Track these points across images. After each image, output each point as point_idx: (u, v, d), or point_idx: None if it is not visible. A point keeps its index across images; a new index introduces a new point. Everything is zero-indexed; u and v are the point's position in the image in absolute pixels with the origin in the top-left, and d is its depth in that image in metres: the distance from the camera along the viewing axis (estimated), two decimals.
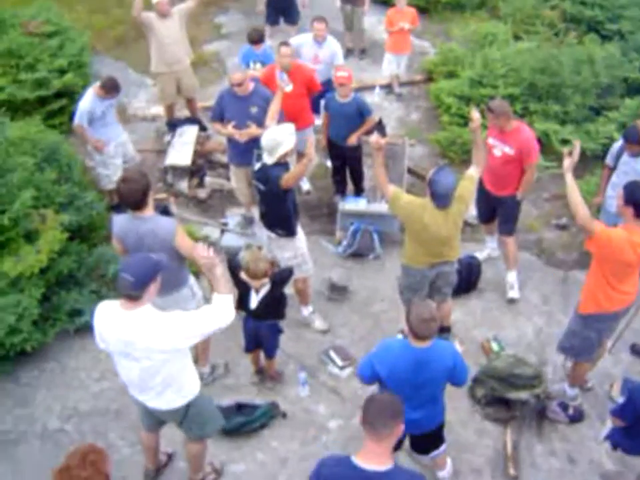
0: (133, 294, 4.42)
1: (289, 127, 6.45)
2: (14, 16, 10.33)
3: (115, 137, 8.46)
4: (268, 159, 6.32)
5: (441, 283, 6.54)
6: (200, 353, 6.43)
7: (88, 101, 8.07)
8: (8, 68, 9.65)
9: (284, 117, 7.40)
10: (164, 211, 6.87)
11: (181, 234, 5.54)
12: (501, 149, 7.15)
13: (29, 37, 9.93)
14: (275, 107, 7.16)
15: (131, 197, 5.37)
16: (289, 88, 7.86)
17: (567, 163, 5.62)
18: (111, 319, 4.55)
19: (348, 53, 11.84)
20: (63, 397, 6.56)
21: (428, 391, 4.91)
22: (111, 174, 8.39)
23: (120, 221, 5.68)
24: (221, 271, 4.73)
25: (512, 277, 7.78)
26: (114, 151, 8.43)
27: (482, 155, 6.35)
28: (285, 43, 8.42)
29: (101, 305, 4.70)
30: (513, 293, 7.72)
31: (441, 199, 5.88)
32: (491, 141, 7.27)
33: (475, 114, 6.28)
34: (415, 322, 4.63)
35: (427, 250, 6.23)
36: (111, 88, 8.06)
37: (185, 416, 5.02)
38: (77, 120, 8.13)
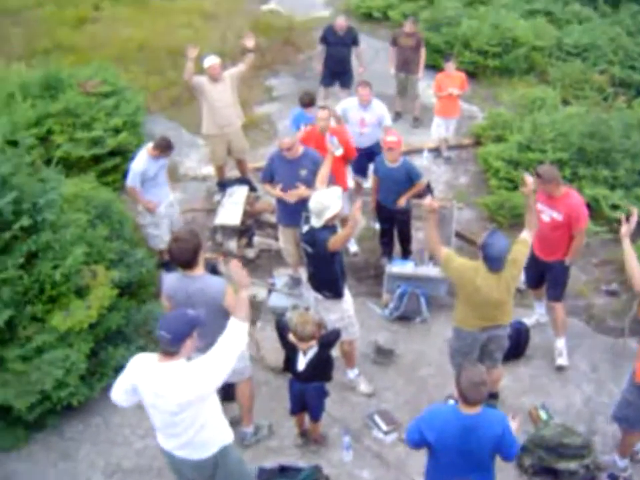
0: (170, 350, 4.50)
1: (337, 191, 6.51)
2: (72, 75, 10.62)
3: (165, 197, 8.62)
4: (316, 222, 6.36)
5: (493, 347, 6.47)
6: (244, 413, 6.41)
7: (141, 162, 8.22)
8: (65, 126, 9.90)
9: (333, 180, 7.47)
10: (212, 270, 6.94)
11: (230, 293, 5.57)
12: (549, 215, 7.12)
13: (86, 97, 10.20)
14: (324, 171, 7.22)
15: (181, 255, 5.45)
16: (339, 152, 7.93)
17: (625, 229, 5.59)
18: (147, 371, 4.61)
19: (397, 116, 11.96)
20: (106, 452, 6.57)
21: (476, 458, 4.81)
22: (162, 234, 8.51)
23: (170, 280, 5.76)
24: (246, 294, 4.80)
25: (561, 343, 7.66)
26: (165, 212, 8.58)
27: (535, 219, 6.32)
28: (323, 107, 8.54)
29: (138, 357, 4.77)
30: (562, 360, 7.58)
31: (494, 262, 5.88)
32: (539, 206, 7.23)
33: (529, 178, 6.28)
34: (464, 385, 4.58)
35: (479, 313, 6.19)
36: (164, 147, 8.21)
37: (214, 474, 5.01)
38: (129, 182, 8.28)
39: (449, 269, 6.18)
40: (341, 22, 11.69)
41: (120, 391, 4.82)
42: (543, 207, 7.19)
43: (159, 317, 7.06)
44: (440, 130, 11.32)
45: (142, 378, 4.63)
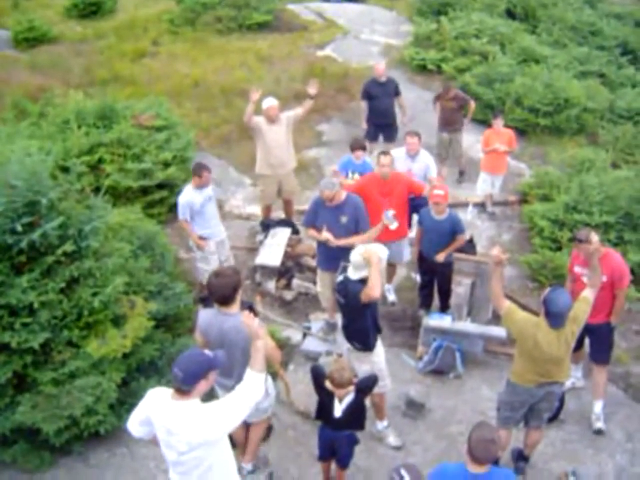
0: (183, 388, 4.50)
1: (383, 250, 6.48)
2: (127, 107, 10.87)
3: (216, 234, 8.75)
4: (352, 274, 6.36)
5: (544, 405, 6.41)
6: (249, 448, 6.35)
7: (186, 194, 8.41)
8: (116, 156, 10.09)
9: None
10: (249, 309, 6.93)
11: (265, 334, 5.56)
12: (589, 272, 7.05)
13: (138, 129, 10.40)
14: (371, 235, 7.39)
15: (220, 291, 5.50)
16: (393, 226, 7.99)
17: None
18: (160, 406, 4.61)
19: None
20: None
21: None
22: (210, 269, 8.56)
23: (205, 315, 5.79)
24: (261, 345, 4.80)
25: (598, 407, 7.50)
26: (214, 247, 8.70)
27: (598, 279, 6.29)
28: (385, 152, 8.58)
29: (154, 390, 4.79)
30: (600, 424, 7.43)
31: (556, 319, 5.86)
32: (578, 269, 7.20)
33: (594, 237, 6.26)
34: (474, 442, 4.54)
35: (537, 368, 6.13)
36: (196, 170, 8.41)
37: None
38: (180, 215, 8.48)
39: (510, 322, 6.17)
40: (380, 66, 11.80)
41: (135, 422, 4.84)
42: (582, 269, 7.13)
43: None
44: (486, 185, 11.31)
45: (156, 412, 4.64)
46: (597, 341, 7.44)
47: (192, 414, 4.50)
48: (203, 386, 4.56)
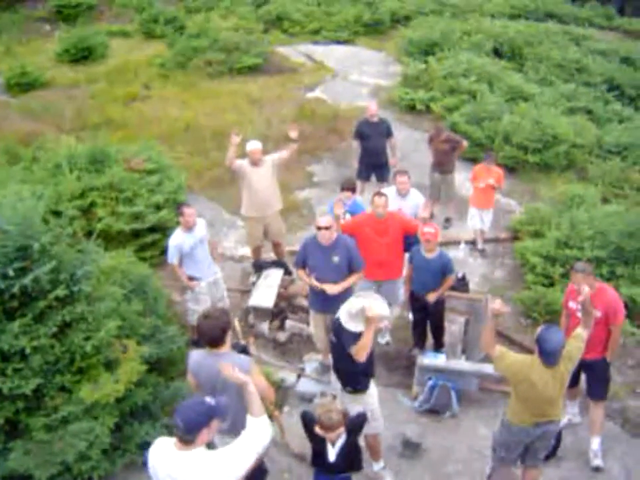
0: (185, 438, 4.44)
1: (385, 309, 6.40)
2: (118, 151, 10.93)
3: (207, 275, 8.72)
4: (346, 323, 6.28)
5: (540, 444, 6.38)
6: None
7: (175, 237, 8.43)
8: (108, 200, 10.10)
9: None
10: (243, 350, 6.90)
11: (256, 373, 5.56)
12: (582, 311, 7.07)
13: (130, 173, 10.44)
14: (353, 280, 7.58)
15: (209, 333, 5.49)
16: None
17: None
18: (164, 456, 4.55)
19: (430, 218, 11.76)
20: None
21: None
22: (201, 310, 8.55)
23: (196, 356, 5.76)
24: (253, 389, 4.76)
25: (596, 443, 7.46)
26: (206, 288, 8.68)
27: (590, 322, 6.33)
28: (380, 194, 8.62)
29: (158, 441, 4.72)
30: (598, 461, 7.39)
31: (550, 357, 5.85)
32: (572, 304, 7.21)
33: (585, 288, 6.34)
34: None
35: (533, 408, 6.12)
36: (177, 209, 8.55)
37: None
38: (169, 258, 8.48)
39: (503, 367, 6.15)
40: (373, 107, 11.85)
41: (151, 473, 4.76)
42: (577, 305, 7.14)
43: (187, 395, 7.12)
44: (475, 221, 11.38)
45: (161, 463, 4.57)
46: (593, 377, 7.43)
47: (198, 463, 4.44)
48: (205, 435, 4.50)
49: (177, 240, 8.40)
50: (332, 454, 5.88)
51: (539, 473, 6.68)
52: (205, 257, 8.71)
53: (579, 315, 7.10)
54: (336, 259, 7.69)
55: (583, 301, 6.32)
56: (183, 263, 8.49)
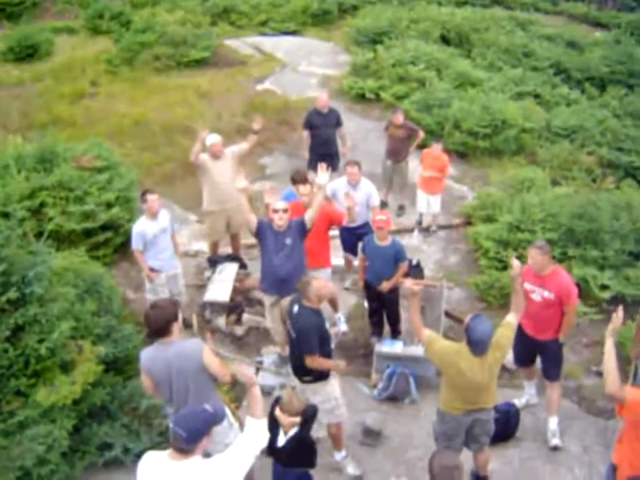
0: (185, 448, 4.38)
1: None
2: (67, 150, 10.73)
3: (168, 267, 8.74)
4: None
5: (478, 431, 6.39)
6: None
7: (139, 224, 8.52)
8: (58, 199, 9.93)
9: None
10: None
11: (208, 351, 5.62)
12: (539, 294, 7.14)
13: (79, 171, 10.28)
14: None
15: (155, 323, 5.53)
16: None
17: (611, 328, 5.60)
18: (158, 471, 4.46)
19: (382, 205, 11.45)
20: None
21: None
22: None
23: (147, 353, 5.75)
24: (258, 392, 4.78)
25: (554, 423, 7.59)
26: (165, 281, 8.69)
27: (521, 302, 6.34)
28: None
29: (147, 456, 4.64)
30: (556, 440, 7.50)
31: (477, 346, 5.86)
32: (528, 286, 7.26)
33: (515, 261, 6.32)
34: (437, 471, 4.53)
35: (463, 396, 6.14)
36: (142, 196, 8.55)
37: None
38: (133, 244, 8.55)
39: (431, 351, 6.17)
40: (324, 97, 11.86)
41: None
42: (532, 286, 7.22)
43: (145, 394, 7.07)
44: (422, 204, 11.53)
45: (154, 478, 4.48)
46: (547, 358, 7.53)
47: (198, 473, 4.38)
48: (205, 443, 4.47)
49: (141, 227, 8.45)
50: (281, 440, 5.86)
51: (487, 455, 6.72)
52: (167, 247, 8.74)
53: (534, 296, 7.19)
54: (288, 240, 7.73)
55: (513, 275, 6.30)
56: (146, 251, 8.52)
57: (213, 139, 9.59)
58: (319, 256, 8.61)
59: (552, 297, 7.08)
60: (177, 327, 5.63)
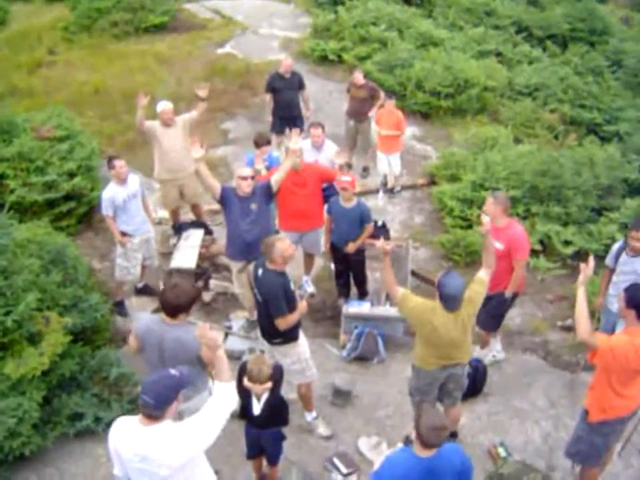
0: (154, 414, 4.38)
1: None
2: (26, 120, 10.56)
3: (141, 231, 8.67)
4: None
5: (452, 386, 6.49)
6: None
7: (108, 190, 8.41)
8: (19, 171, 9.79)
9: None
10: None
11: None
12: (492, 245, 7.24)
13: (39, 141, 10.13)
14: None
15: (174, 302, 5.38)
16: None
17: (582, 277, 5.67)
18: (129, 435, 4.47)
19: (347, 167, 11.69)
20: None
21: None
22: (129, 266, 8.61)
23: (145, 320, 5.72)
24: (223, 354, 4.74)
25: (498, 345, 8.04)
26: (137, 245, 8.61)
27: (492, 258, 6.38)
28: (265, 146, 8.68)
29: (118, 421, 4.64)
30: (501, 355, 8.04)
31: (450, 302, 5.92)
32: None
33: (485, 218, 6.37)
34: (425, 430, 4.55)
35: (438, 352, 6.21)
36: (108, 162, 8.45)
37: None
38: (103, 210, 8.46)
39: (405, 309, 6.20)
40: (287, 62, 11.76)
41: (117, 465, 4.67)
42: (496, 242, 7.26)
43: (114, 363, 7.07)
44: (383, 165, 11.53)
45: (125, 443, 4.49)
46: (490, 309, 7.50)
47: (168, 436, 4.38)
48: (174, 408, 4.47)
49: (110, 193, 8.36)
50: (257, 408, 5.91)
51: (459, 411, 6.84)
52: (138, 212, 8.65)
53: (498, 246, 7.27)
54: (254, 205, 7.72)
55: (483, 231, 6.35)
56: (116, 217, 8.44)
57: (163, 105, 9.45)
58: (315, 217, 8.66)
59: (502, 249, 7.14)
60: (190, 311, 5.56)
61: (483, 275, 6.27)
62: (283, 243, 6.41)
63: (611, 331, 6.92)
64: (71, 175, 10.08)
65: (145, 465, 4.43)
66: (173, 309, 5.40)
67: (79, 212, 10.19)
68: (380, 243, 6.24)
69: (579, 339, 5.54)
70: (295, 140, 7.83)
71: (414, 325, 6.35)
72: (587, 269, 5.72)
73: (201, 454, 4.63)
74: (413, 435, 4.70)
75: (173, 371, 4.55)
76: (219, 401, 4.60)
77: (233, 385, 4.72)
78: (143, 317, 5.75)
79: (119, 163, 8.38)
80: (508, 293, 7.47)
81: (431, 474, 4.64)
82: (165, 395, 4.39)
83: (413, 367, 6.53)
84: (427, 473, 4.63)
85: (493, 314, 7.62)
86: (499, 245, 7.13)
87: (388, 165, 11.47)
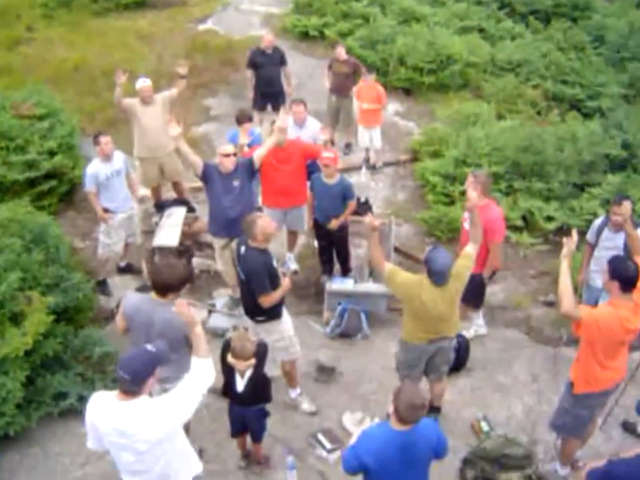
0: (131, 390, 4.39)
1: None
2: (5, 98, 10.44)
3: (124, 207, 8.63)
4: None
5: (439, 359, 6.54)
6: None
7: (92, 166, 8.35)
8: None
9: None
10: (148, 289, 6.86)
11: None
12: (467, 224, 7.28)
13: (19, 119, 10.02)
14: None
15: (166, 281, 5.36)
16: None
17: (565, 250, 5.70)
18: (106, 410, 4.48)
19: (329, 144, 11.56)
20: None
21: (416, 471, 4.83)
22: (112, 243, 8.60)
23: (133, 299, 5.68)
24: (200, 330, 4.75)
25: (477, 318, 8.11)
26: (120, 222, 8.58)
27: (479, 234, 6.39)
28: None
29: (95, 396, 4.64)
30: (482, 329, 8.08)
31: (438, 277, 5.94)
32: (465, 214, 7.40)
33: (472, 193, 6.37)
34: (403, 406, 4.56)
35: (425, 326, 6.24)
36: (93, 138, 8.40)
37: None
38: (86, 185, 8.42)
39: (393, 284, 6.22)
40: (269, 37, 11.70)
41: (90, 438, 4.69)
42: (466, 215, 7.34)
43: (97, 342, 7.05)
44: (364, 139, 11.52)
45: (103, 418, 4.50)
46: (470, 289, 7.49)
47: (145, 412, 4.40)
48: (150, 383, 4.48)
49: (93, 169, 8.31)
50: (240, 385, 5.92)
51: (444, 385, 6.90)
52: (121, 189, 8.61)
53: (465, 225, 7.30)
54: (236, 182, 7.73)
55: (469, 207, 6.36)
56: (99, 193, 8.40)
57: (142, 82, 9.38)
58: (298, 194, 8.64)
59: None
60: (181, 291, 5.51)
61: (471, 249, 6.29)
62: (264, 220, 6.40)
63: (594, 306, 6.97)
64: (52, 153, 9.99)
65: (123, 440, 4.46)
66: (164, 287, 5.37)
67: (60, 191, 10.11)
68: (368, 219, 6.25)
69: (563, 312, 5.57)
70: (284, 118, 7.85)
71: (402, 299, 6.36)
72: (571, 242, 5.75)
73: (179, 429, 4.65)
74: (390, 409, 4.71)
75: (149, 347, 4.57)
76: (196, 376, 4.62)
77: (210, 360, 4.72)
78: (132, 295, 5.71)
79: (104, 139, 8.32)
80: (485, 274, 7.53)
81: (406, 448, 4.66)
82: (142, 370, 4.40)
83: (401, 341, 6.56)
84: (402, 447, 4.65)
85: (472, 294, 7.65)
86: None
87: (369, 139, 11.45)
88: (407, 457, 4.68)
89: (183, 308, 4.79)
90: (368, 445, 4.75)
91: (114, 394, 4.50)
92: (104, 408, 4.50)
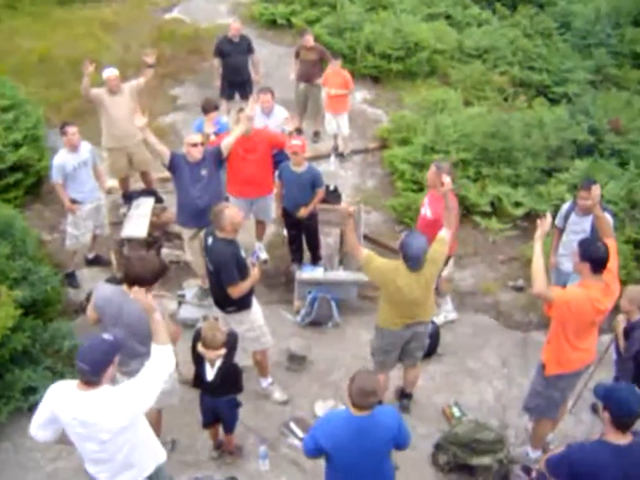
0: (91, 380, 4.37)
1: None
2: None
3: (91, 198, 8.55)
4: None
5: (415, 345, 6.58)
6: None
7: (58, 157, 8.28)
8: None
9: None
10: (119, 282, 6.81)
11: (167, 316, 5.54)
12: (425, 210, 7.31)
13: None
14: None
15: (138, 274, 5.28)
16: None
17: (539, 232, 5.73)
18: (67, 400, 4.45)
19: (297, 132, 11.03)
20: (16, 477, 6.35)
21: (373, 458, 4.84)
22: (79, 235, 8.53)
23: (104, 291, 5.62)
24: (159, 317, 4.74)
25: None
26: (87, 213, 8.51)
27: (453, 219, 6.43)
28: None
29: (56, 385, 4.61)
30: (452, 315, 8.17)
31: (413, 262, 5.97)
32: (425, 199, 7.46)
33: (446, 178, 6.40)
34: (355, 392, 4.59)
35: (401, 311, 6.28)
36: (61, 128, 8.29)
37: None
38: (53, 177, 8.35)
39: (369, 269, 6.25)
40: (236, 25, 11.62)
41: (38, 426, 4.63)
42: (426, 201, 7.45)
43: (66, 335, 6.99)
44: (332, 126, 11.51)
45: (64, 408, 4.46)
46: None
47: (106, 401, 4.38)
48: (110, 372, 4.45)
49: (60, 159, 8.25)
50: (210, 374, 5.92)
51: (418, 371, 6.97)
52: (88, 180, 8.54)
53: (422, 210, 7.42)
54: (204, 171, 7.71)
55: (443, 192, 6.35)
56: (66, 184, 8.34)
57: (109, 72, 9.31)
58: (264, 183, 8.64)
59: (431, 218, 7.24)
60: (154, 287, 5.43)
61: (444, 234, 6.31)
62: (232, 210, 6.38)
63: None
64: (17, 145, 9.86)
65: (85, 430, 4.44)
66: (136, 280, 5.28)
67: (27, 183, 9.98)
68: (343, 205, 6.28)
69: (536, 293, 5.61)
70: (252, 106, 7.90)
71: (378, 285, 6.39)
72: (544, 223, 5.79)
73: (141, 417, 4.64)
74: (346, 395, 4.74)
75: (106, 336, 4.56)
76: (157, 363, 4.61)
77: (170, 347, 4.71)
78: (104, 287, 5.65)
79: (71, 130, 8.24)
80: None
81: (363, 434, 4.68)
82: (100, 360, 4.38)
83: (377, 327, 6.58)
84: (358, 432, 4.67)
85: None
86: (429, 213, 7.23)
87: (337, 126, 11.45)
88: (363, 443, 4.70)
89: (140, 295, 4.77)
90: (325, 428, 4.80)
91: (74, 383, 4.47)
92: (65, 398, 4.48)
